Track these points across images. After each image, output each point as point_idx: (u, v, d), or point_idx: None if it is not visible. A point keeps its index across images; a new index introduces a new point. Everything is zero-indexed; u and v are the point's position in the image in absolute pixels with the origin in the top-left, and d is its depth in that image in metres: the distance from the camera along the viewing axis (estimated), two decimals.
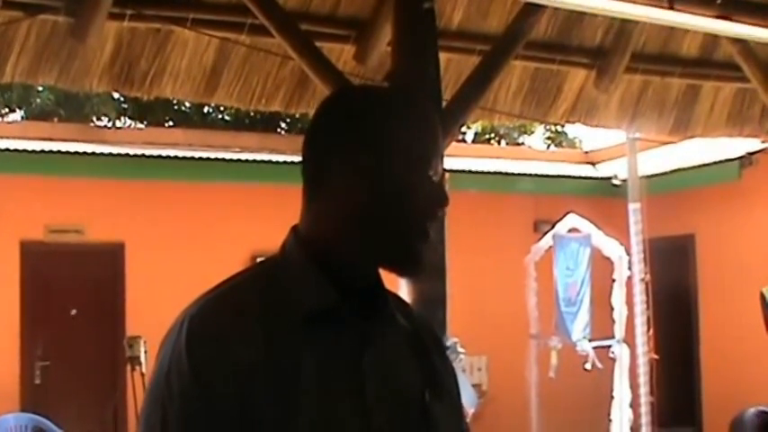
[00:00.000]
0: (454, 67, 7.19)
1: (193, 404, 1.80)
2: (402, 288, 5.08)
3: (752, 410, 4.36)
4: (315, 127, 2.04)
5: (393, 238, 1.95)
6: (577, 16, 7.56)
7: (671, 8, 6.66)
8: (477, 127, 24.95)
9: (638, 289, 12.71)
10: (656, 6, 6.62)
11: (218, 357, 1.80)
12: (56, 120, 20.42)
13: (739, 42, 7.67)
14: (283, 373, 1.82)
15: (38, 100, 21.58)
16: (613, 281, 12.56)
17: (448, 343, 5.80)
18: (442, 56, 6.33)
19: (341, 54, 6.96)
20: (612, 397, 12.65)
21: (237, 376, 1.79)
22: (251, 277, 1.99)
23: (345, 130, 1.98)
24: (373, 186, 1.93)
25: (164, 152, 13.88)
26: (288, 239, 2.01)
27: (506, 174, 15.52)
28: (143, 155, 13.65)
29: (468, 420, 2.25)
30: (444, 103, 6.18)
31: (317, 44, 6.41)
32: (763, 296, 11.98)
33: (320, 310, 1.89)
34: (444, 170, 2.02)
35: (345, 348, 1.90)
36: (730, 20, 7.06)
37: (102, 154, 13.39)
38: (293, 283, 1.93)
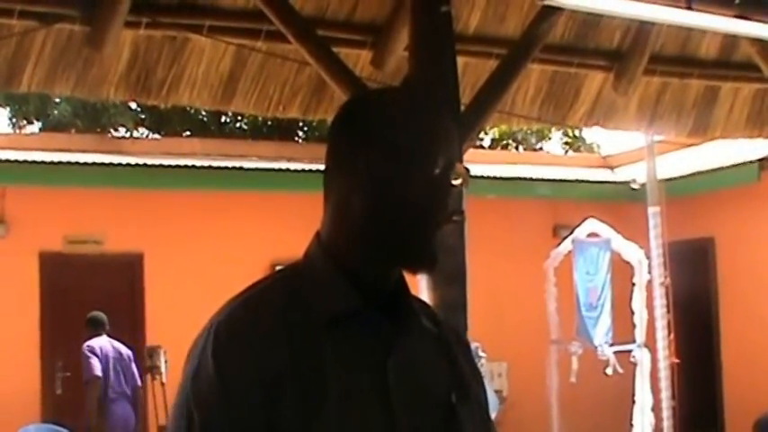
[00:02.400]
0: (471, 72, 7.16)
1: (219, 411, 1.81)
2: (422, 294, 5.08)
3: None
4: (329, 133, 2.07)
5: (403, 235, 1.95)
6: (594, 18, 7.53)
7: (689, 9, 6.61)
8: (494, 132, 24.93)
9: (659, 293, 12.68)
10: (673, 7, 6.58)
11: (244, 366, 1.81)
12: (73, 131, 20.50)
13: (758, 42, 7.63)
14: (309, 379, 1.82)
15: (55, 111, 21.65)
16: (633, 285, 12.53)
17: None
18: (460, 60, 6.30)
19: (358, 59, 6.94)
20: (634, 402, 12.61)
21: (263, 384, 1.80)
22: (276, 283, 1.99)
23: (348, 135, 2.01)
24: (376, 188, 1.94)
25: (181, 162, 13.92)
26: (311, 245, 2.02)
27: (525, 179, 15.53)
28: (161, 165, 13.69)
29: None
30: (462, 108, 6.16)
31: (334, 50, 6.39)
32: None
33: (344, 315, 1.89)
34: (465, 168, 2.00)
35: (370, 352, 1.90)
36: (749, 20, 7.02)
37: (119, 164, 13.44)
38: (316, 288, 1.93)
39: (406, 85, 2.47)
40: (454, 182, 1.97)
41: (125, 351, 11.41)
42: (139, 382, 11.56)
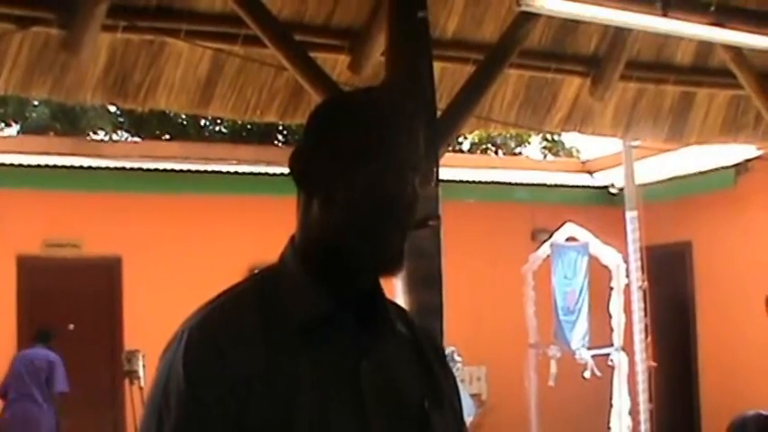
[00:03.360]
0: (449, 77, 7.19)
1: (189, 417, 1.80)
2: (398, 298, 5.09)
3: (751, 413, 4.36)
4: (301, 138, 2.07)
5: (355, 243, 1.93)
6: (572, 24, 7.57)
7: (665, 15, 6.66)
8: (473, 137, 24.94)
9: (636, 297, 12.73)
10: (650, 14, 6.63)
11: (215, 371, 1.81)
12: (52, 134, 20.39)
13: (733, 49, 7.68)
14: (281, 383, 1.82)
15: (34, 114, 21.54)
16: (611, 289, 12.56)
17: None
18: (437, 65, 6.32)
19: (335, 64, 6.96)
20: (611, 405, 12.64)
21: (234, 390, 1.79)
22: (249, 288, 1.98)
23: (309, 139, 2.01)
24: (332, 194, 1.94)
25: (160, 165, 13.87)
26: (285, 249, 2.02)
27: (503, 183, 15.52)
28: (140, 168, 13.64)
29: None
30: (439, 113, 6.17)
31: (312, 54, 6.41)
32: None
33: (317, 320, 1.89)
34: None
35: (344, 357, 1.90)
36: (724, 27, 7.07)
37: (98, 168, 13.39)
38: (289, 292, 1.93)
39: (375, 89, 2.46)
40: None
41: (42, 358, 11.52)
42: (63, 389, 11.62)
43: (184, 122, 22.51)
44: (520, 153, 26.29)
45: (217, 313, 1.91)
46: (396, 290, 5.33)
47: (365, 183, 1.92)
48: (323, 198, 1.95)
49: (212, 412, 1.79)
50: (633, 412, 12.69)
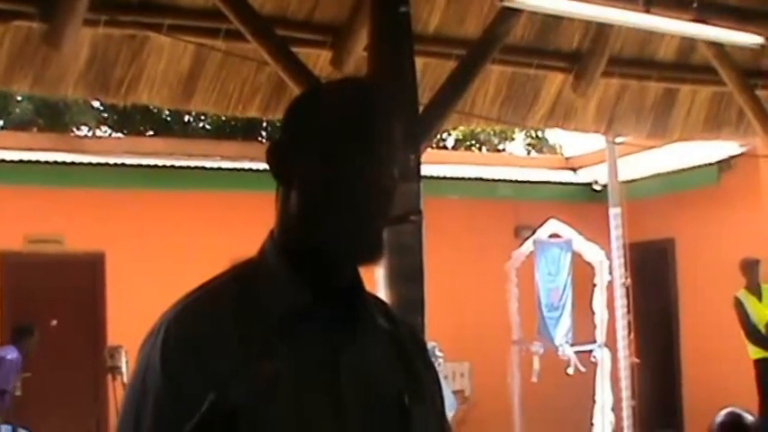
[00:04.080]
0: (431, 72, 7.19)
1: (167, 410, 1.79)
2: (379, 292, 5.09)
3: (722, 411, 4.39)
4: (279, 131, 2.07)
5: (341, 229, 1.92)
6: (554, 20, 7.57)
7: (647, 12, 6.68)
8: (457, 134, 24.96)
9: (619, 293, 12.76)
10: (632, 10, 6.65)
11: (193, 365, 1.79)
12: (35, 129, 20.36)
13: (715, 46, 7.70)
14: (259, 378, 1.80)
15: (17, 110, 21.51)
16: (594, 286, 12.59)
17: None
18: (419, 60, 6.32)
19: (317, 59, 6.95)
20: (594, 401, 12.67)
21: (212, 383, 1.76)
22: (228, 281, 1.97)
23: (289, 128, 2.01)
24: (308, 185, 1.93)
25: (144, 161, 13.83)
26: (265, 243, 2.01)
27: (487, 180, 15.52)
28: (123, 164, 13.60)
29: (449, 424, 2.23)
30: (421, 108, 6.17)
31: (294, 49, 6.40)
32: (738, 300, 12.09)
33: (295, 312, 1.88)
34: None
35: (323, 350, 1.89)
36: (706, 23, 7.09)
37: (81, 163, 13.33)
38: (268, 285, 1.92)
39: (350, 80, 2.46)
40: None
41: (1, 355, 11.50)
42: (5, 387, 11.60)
43: (168, 118, 22.48)
44: (503, 150, 26.31)
45: (194, 307, 1.90)
46: (378, 285, 5.34)
47: (343, 172, 1.91)
48: (301, 189, 1.94)
49: (192, 403, 1.76)
50: (616, 408, 12.72)
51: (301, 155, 1.94)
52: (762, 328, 12.03)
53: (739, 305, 12.20)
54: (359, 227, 1.92)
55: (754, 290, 12.27)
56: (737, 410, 4.41)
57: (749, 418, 4.42)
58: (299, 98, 2.14)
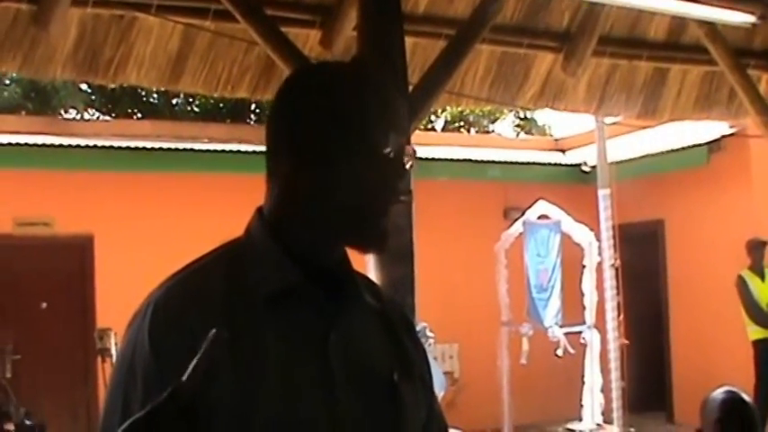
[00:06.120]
0: (420, 52, 7.16)
1: (156, 389, 1.74)
2: (369, 273, 5.07)
3: (719, 389, 4.38)
4: (271, 109, 2.04)
5: (351, 216, 1.93)
6: (544, 0, 7.55)
7: None
8: (446, 115, 24.95)
9: (609, 275, 12.78)
10: None
11: (181, 344, 1.77)
12: (23, 113, 20.32)
13: (706, 25, 7.68)
14: (248, 355, 1.79)
15: (5, 93, 21.46)
16: (583, 267, 12.62)
17: (417, 327, 5.78)
18: (408, 40, 6.28)
19: (307, 39, 6.92)
20: (584, 382, 12.71)
21: None
22: (215, 260, 1.96)
23: (296, 109, 1.97)
24: (326, 165, 1.91)
25: (132, 144, 13.80)
26: (252, 221, 2.00)
27: (476, 161, 15.53)
28: (111, 146, 13.57)
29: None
30: (411, 88, 6.15)
31: (283, 29, 6.36)
32: (741, 279, 12.10)
33: (284, 290, 1.87)
34: (407, 144, 1.99)
35: (311, 329, 1.88)
36: (697, 2, 7.07)
37: (69, 146, 13.32)
38: (256, 263, 1.91)
39: (352, 60, 2.43)
40: (405, 163, 1.96)
41: None
42: None
43: (156, 101, 22.44)
44: (492, 131, 26.32)
45: (182, 285, 1.90)
46: (367, 265, 5.33)
47: (352, 158, 1.91)
48: (305, 173, 1.92)
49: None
50: (605, 390, 12.76)
51: (312, 137, 1.91)
52: (764, 307, 12.04)
53: (743, 284, 12.20)
54: (372, 217, 1.94)
55: (758, 270, 12.28)
56: (734, 389, 4.41)
57: (746, 396, 4.42)
58: (305, 76, 2.11)
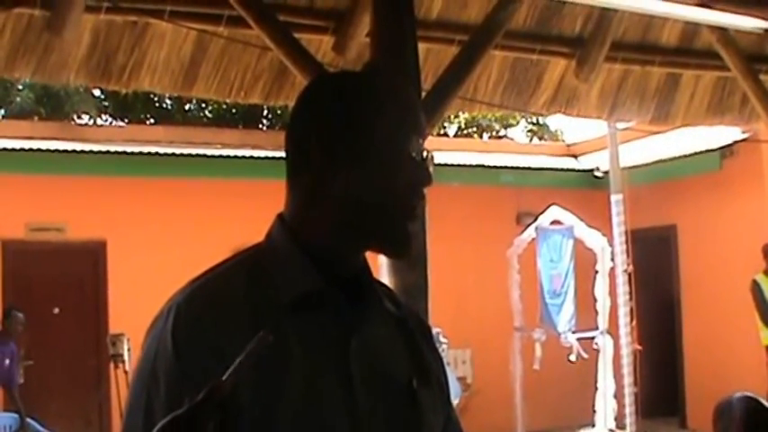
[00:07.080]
0: (433, 58, 7.15)
1: (178, 392, 1.76)
2: (382, 278, 5.07)
3: (737, 395, 4.34)
4: (293, 115, 2.04)
5: (377, 219, 1.93)
6: (557, 5, 7.53)
7: None
8: (459, 121, 24.96)
9: (621, 280, 12.77)
10: None
11: (204, 347, 1.78)
12: (36, 118, 20.37)
13: (719, 30, 7.67)
14: (270, 360, 1.78)
15: (18, 99, 21.52)
16: (596, 272, 12.60)
17: None
18: (421, 46, 6.28)
19: (320, 45, 6.92)
20: (596, 388, 12.69)
21: (222, 365, 1.72)
22: (237, 264, 1.96)
23: (321, 115, 1.96)
24: (352, 169, 1.91)
25: (145, 149, 13.85)
26: (273, 226, 2.00)
27: (489, 167, 15.54)
28: (124, 152, 13.62)
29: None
30: (424, 94, 6.15)
31: (296, 35, 6.36)
32: (755, 283, 12.06)
33: (306, 296, 1.87)
34: (427, 151, 2.00)
35: (332, 335, 1.88)
36: (710, 8, 7.06)
37: (82, 152, 13.37)
38: (278, 268, 1.91)
39: (371, 66, 2.43)
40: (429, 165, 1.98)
41: None
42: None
43: (169, 107, 22.49)
44: (505, 136, 26.31)
45: (204, 289, 1.90)
46: (381, 271, 5.33)
47: (382, 162, 1.92)
48: (334, 179, 1.92)
49: (202, 386, 1.74)
50: (618, 395, 12.75)
51: (324, 142, 1.93)
52: None
53: (757, 288, 12.16)
54: (400, 221, 1.95)
55: None
56: (753, 395, 4.38)
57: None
58: (317, 84, 2.13)
